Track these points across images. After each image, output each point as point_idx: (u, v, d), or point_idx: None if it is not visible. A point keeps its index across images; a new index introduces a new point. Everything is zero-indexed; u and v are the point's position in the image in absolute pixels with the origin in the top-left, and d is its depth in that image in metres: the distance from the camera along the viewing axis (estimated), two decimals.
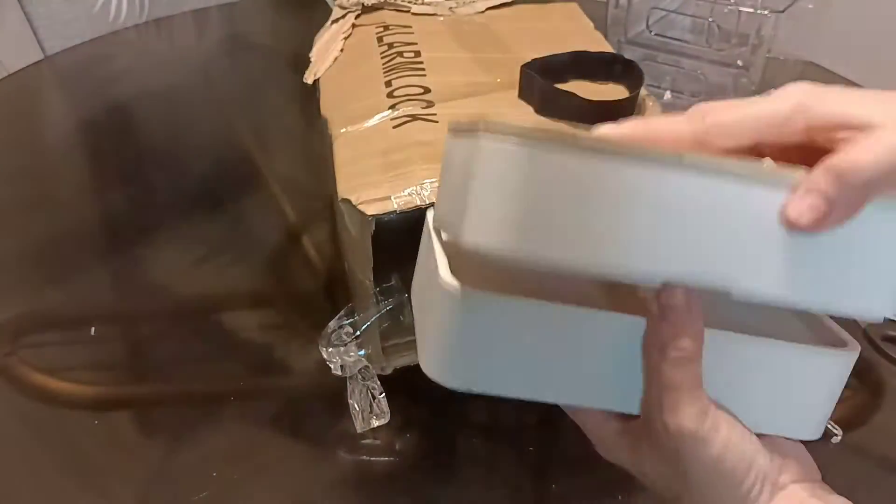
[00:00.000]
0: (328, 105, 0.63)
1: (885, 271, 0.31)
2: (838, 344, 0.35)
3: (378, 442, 0.55)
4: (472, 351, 0.30)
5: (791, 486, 0.33)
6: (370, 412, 0.54)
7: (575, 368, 0.31)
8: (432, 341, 0.31)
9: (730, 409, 0.32)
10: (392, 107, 0.58)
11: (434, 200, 0.48)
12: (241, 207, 0.80)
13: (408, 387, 0.56)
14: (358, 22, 0.73)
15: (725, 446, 0.31)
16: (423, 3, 0.75)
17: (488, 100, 0.60)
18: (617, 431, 0.35)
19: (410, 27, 0.71)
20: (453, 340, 0.30)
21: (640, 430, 0.34)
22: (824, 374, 0.34)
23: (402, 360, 0.57)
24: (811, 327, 0.37)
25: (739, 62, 0.86)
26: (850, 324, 0.64)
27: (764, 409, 0.34)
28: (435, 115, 0.57)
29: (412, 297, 0.36)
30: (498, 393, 0.31)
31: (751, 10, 0.84)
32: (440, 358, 0.31)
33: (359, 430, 0.54)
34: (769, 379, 0.33)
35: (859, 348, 0.34)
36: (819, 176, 0.28)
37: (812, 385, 0.34)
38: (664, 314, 0.31)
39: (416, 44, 0.67)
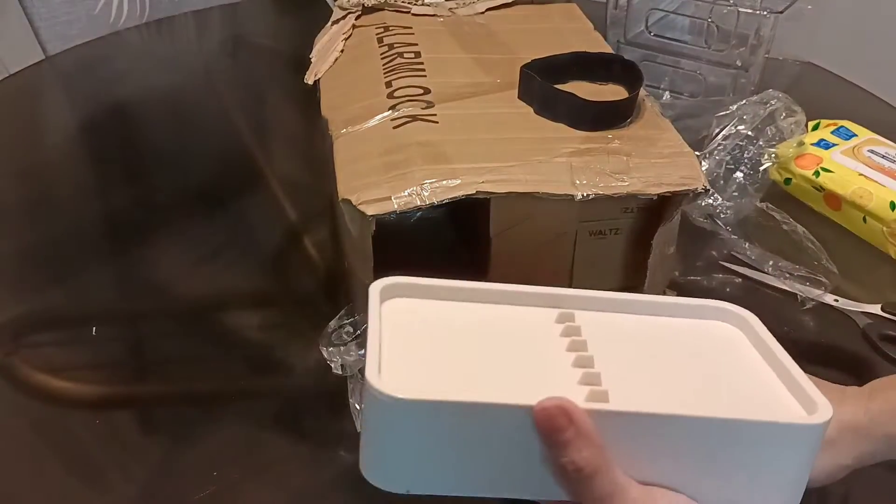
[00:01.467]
0: (328, 105, 0.63)
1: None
2: (809, 407, 0.32)
3: None
4: (404, 454, 0.31)
5: None
6: None
7: (504, 463, 0.32)
8: (366, 445, 0.32)
9: (692, 493, 0.31)
10: (392, 107, 0.58)
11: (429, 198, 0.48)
12: (241, 207, 0.80)
13: None
14: (358, 23, 0.74)
15: None
16: (423, 4, 0.75)
17: (488, 100, 0.60)
18: None
19: (411, 28, 0.71)
20: (385, 445, 0.31)
21: None
22: (793, 448, 0.32)
23: None
24: (786, 387, 0.34)
25: (738, 63, 0.87)
26: (847, 322, 0.64)
27: (732, 490, 0.32)
28: (435, 115, 0.57)
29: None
30: (434, 492, 0.32)
31: (750, 10, 0.84)
32: (375, 463, 0.32)
33: (359, 430, 0.54)
34: (731, 458, 0.31)
35: (830, 413, 0.31)
36: None
37: (780, 460, 0.32)
38: (548, 440, 0.29)
39: (416, 44, 0.67)
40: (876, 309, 0.65)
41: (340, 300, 0.57)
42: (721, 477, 0.32)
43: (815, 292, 0.66)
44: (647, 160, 0.53)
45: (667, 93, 0.88)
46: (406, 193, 0.49)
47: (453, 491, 0.32)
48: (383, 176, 0.51)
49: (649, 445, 0.31)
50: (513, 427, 0.30)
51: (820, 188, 0.75)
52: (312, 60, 0.73)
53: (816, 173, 0.75)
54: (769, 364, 0.35)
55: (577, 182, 0.50)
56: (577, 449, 0.29)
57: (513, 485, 0.32)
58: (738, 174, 0.74)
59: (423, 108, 0.58)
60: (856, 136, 0.78)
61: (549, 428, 0.29)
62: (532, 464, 0.31)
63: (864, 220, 0.72)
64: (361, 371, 0.54)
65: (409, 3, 0.75)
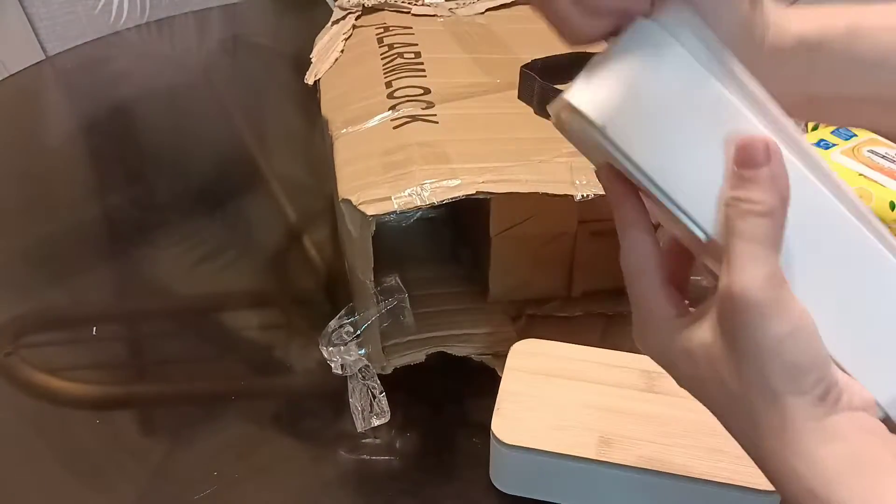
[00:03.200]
0: (329, 106, 0.63)
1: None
2: None
3: (378, 441, 0.55)
4: (641, 99, 0.30)
5: (859, 413, 0.29)
6: (370, 411, 0.54)
7: (705, 159, 0.30)
8: (609, 78, 0.31)
9: (818, 319, 0.28)
10: (392, 107, 0.58)
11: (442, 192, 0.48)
12: (241, 207, 0.80)
13: (408, 386, 0.56)
14: (358, 23, 0.74)
15: (794, 329, 0.27)
16: (423, 5, 0.76)
17: (488, 100, 0.60)
18: (673, 315, 0.31)
19: (411, 28, 0.71)
20: (635, 83, 0.30)
21: (702, 308, 0.30)
22: None
23: (402, 360, 0.57)
24: None
25: None
26: None
27: (859, 339, 0.30)
28: (435, 115, 0.57)
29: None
30: (629, 153, 0.30)
31: None
32: (609, 96, 0.31)
33: (359, 429, 0.54)
34: (882, 309, 0.30)
35: None
36: None
37: None
38: (741, 164, 0.28)
39: (416, 45, 0.68)
40: None
41: (340, 300, 0.57)
42: (862, 330, 0.30)
43: None
44: None
45: None
46: (406, 193, 0.49)
47: (645, 163, 0.30)
48: (383, 176, 0.51)
49: (817, 241, 0.30)
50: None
51: None
52: (313, 60, 0.73)
53: None
54: None
55: (578, 182, 0.50)
56: (766, 190, 0.28)
57: (687, 193, 0.30)
58: None
59: (423, 109, 0.58)
60: (855, 136, 0.78)
61: (745, 157, 0.28)
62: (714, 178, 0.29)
63: None
64: (361, 370, 0.54)
65: (409, 3, 0.75)
